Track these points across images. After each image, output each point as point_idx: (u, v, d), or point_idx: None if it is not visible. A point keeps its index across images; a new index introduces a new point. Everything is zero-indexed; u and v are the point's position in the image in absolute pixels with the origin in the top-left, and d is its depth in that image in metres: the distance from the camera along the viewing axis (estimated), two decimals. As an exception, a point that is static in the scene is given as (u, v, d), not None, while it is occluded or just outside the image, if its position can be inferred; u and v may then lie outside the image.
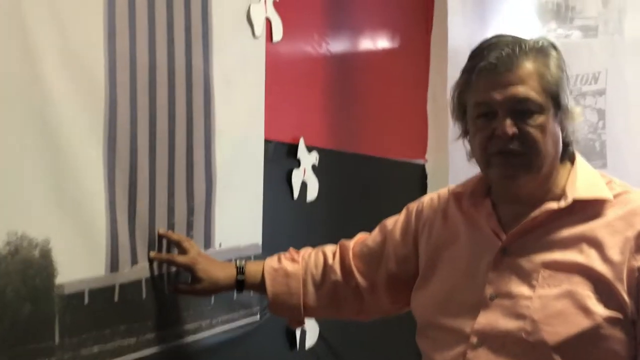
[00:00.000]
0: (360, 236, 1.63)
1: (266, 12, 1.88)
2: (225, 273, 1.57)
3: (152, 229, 1.55)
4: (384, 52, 2.64)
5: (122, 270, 1.47)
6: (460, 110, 1.39)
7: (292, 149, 2.07)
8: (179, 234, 1.59)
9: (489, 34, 2.28)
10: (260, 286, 1.59)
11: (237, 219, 1.82)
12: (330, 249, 1.62)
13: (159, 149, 1.54)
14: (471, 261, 1.39)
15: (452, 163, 2.90)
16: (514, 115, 1.31)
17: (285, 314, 1.61)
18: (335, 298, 1.58)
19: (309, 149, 2.12)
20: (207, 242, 1.73)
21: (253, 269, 1.60)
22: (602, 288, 1.28)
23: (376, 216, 2.64)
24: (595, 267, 1.29)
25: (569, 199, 1.33)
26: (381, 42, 2.62)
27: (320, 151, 2.17)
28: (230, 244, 1.81)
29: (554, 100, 1.33)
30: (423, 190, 2.98)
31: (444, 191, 1.52)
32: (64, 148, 1.33)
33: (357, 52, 2.47)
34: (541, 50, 1.34)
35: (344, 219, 2.38)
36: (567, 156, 1.38)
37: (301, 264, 1.59)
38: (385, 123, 2.66)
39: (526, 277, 1.32)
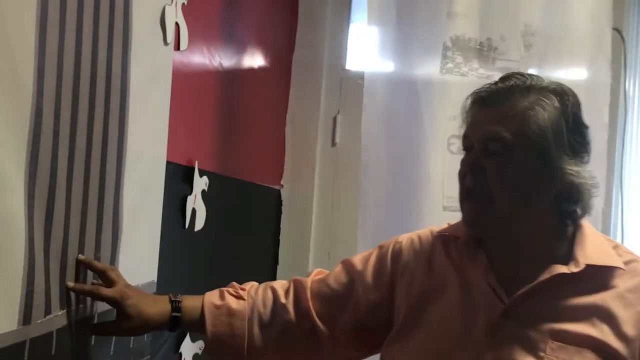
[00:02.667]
0: (317, 273, 1.43)
1: (176, 16, 1.65)
2: (157, 309, 1.33)
3: (64, 266, 1.27)
4: (259, 71, 2.48)
5: (34, 322, 1.18)
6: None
7: (188, 173, 1.85)
8: (102, 263, 1.32)
9: (405, 66, 2.27)
10: (198, 324, 1.36)
11: (136, 255, 1.56)
12: (280, 284, 1.41)
13: (76, 179, 1.26)
14: (464, 321, 1.24)
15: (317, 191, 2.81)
16: (486, 154, 1.22)
17: (225, 357, 1.39)
18: (286, 341, 1.37)
19: (201, 173, 1.91)
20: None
21: (190, 304, 1.36)
22: None
23: (249, 244, 2.48)
24: (610, 342, 1.19)
25: (581, 265, 1.22)
26: (256, 60, 2.46)
27: (209, 175, 1.97)
28: (130, 283, 1.55)
29: (537, 148, 1.20)
30: (277, 217, 2.86)
31: (425, 232, 1.37)
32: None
33: (240, 69, 2.29)
34: (541, 92, 1.22)
35: (226, 248, 2.19)
36: (565, 216, 1.25)
37: (247, 300, 1.37)
38: (253, 145, 2.50)
39: (532, 348, 1.19)
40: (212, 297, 1.37)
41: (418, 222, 1.96)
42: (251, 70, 2.41)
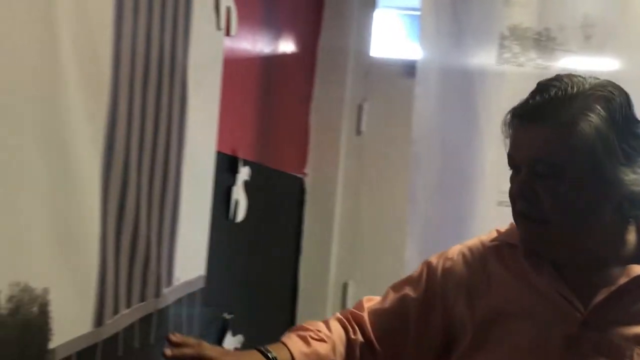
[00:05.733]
0: (367, 300, 1.33)
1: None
2: None
3: (132, 262, 1.20)
4: (288, 57, 2.41)
5: (105, 322, 1.12)
6: None
7: (233, 163, 1.78)
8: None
9: (460, 55, 2.18)
10: None
11: (188, 248, 1.50)
12: (343, 319, 1.31)
13: (144, 171, 1.21)
14: (538, 335, 1.15)
15: (341, 180, 2.75)
16: (534, 176, 1.12)
17: None
18: None
19: (243, 163, 1.85)
20: (169, 278, 1.40)
21: (282, 357, 1.24)
22: None
23: (273, 234, 2.43)
24: None
25: None
26: (286, 47, 2.39)
27: (246, 164, 1.91)
28: (184, 278, 1.49)
29: (587, 165, 1.10)
30: (301, 205, 2.80)
31: (474, 244, 1.27)
32: (66, 161, 0.96)
33: (274, 56, 2.22)
34: (585, 101, 1.11)
35: (259, 238, 2.13)
36: (631, 220, 1.17)
37: (329, 343, 1.28)
38: (280, 133, 2.44)
39: (618, 357, 1.12)
40: (298, 344, 1.26)
41: (470, 218, 1.89)
42: (282, 57, 2.34)
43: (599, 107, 1.11)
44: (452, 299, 1.24)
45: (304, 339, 1.26)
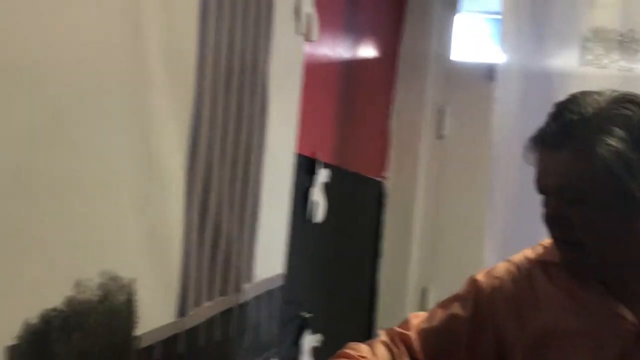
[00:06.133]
0: (415, 320, 1.30)
1: (309, 6, 1.62)
2: None
3: (215, 257, 1.26)
4: (368, 62, 2.45)
5: (188, 314, 1.17)
6: None
7: (311, 165, 1.82)
8: None
9: (541, 58, 2.15)
10: None
11: (268, 247, 1.55)
12: (388, 341, 1.27)
13: (226, 168, 1.26)
14: (592, 355, 1.14)
15: (422, 184, 2.76)
16: (563, 202, 1.10)
17: None
18: None
19: (322, 165, 1.89)
20: (249, 275, 1.45)
21: None
22: None
23: (353, 237, 2.46)
24: None
25: None
26: (367, 51, 2.42)
27: (326, 167, 1.94)
28: (263, 275, 1.54)
29: (613, 187, 1.07)
30: (381, 209, 2.83)
31: (520, 260, 1.25)
32: (153, 159, 1.02)
33: (354, 60, 2.26)
34: (601, 124, 1.08)
35: (338, 240, 2.17)
36: None
37: None
38: (360, 137, 2.47)
39: None
40: None
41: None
42: (363, 62, 2.37)
43: (616, 128, 1.08)
44: (501, 318, 1.22)
45: None
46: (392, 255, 2.84)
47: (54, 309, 0.84)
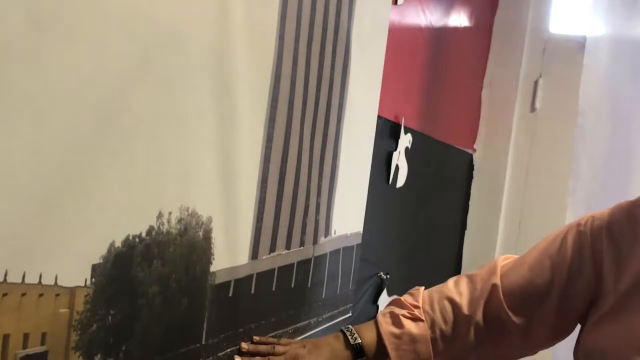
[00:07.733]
0: (505, 259, 1.29)
1: (396, -31, 1.65)
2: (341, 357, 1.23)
3: (294, 209, 1.32)
4: (461, 31, 2.44)
5: (260, 257, 1.24)
6: None
7: (394, 129, 1.86)
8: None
9: (632, 26, 2.11)
10: (380, 356, 1.25)
11: (347, 205, 1.60)
12: (457, 289, 1.27)
13: (306, 124, 1.31)
14: None
15: (512, 158, 2.74)
16: None
17: None
18: (468, 349, 1.27)
19: (405, 130, 1.91)
20: (327, 229, 1.50)
21: (369, 341, 1.25)
22: None
23: (440, 206, 2.47)
24: None
25: None
26: (460, 20, 2.42)
27: (411, 132, 1.97)
28: (341, 231, 1.59)
29: None
30: (468, 182, 2.83)
31: (621, 204, 1.21)
32: (235, 110, 1.09)
33: (445, 28, 2.27)
34: None
35: (421, 207, 2.19)
36: None
37: (426, 320, 1.25)
38: (450, 106, 2.47)
39: None
40: (387, 325, 1.25)
41: (636, 191, 1.83)
42: (455, 30, 2.37)
43: None
44: (600, 262, 1.19)
45: (395, 318, 1.24)
46: (478, 228, 2.85)
47: (138, 236, 0.91)
